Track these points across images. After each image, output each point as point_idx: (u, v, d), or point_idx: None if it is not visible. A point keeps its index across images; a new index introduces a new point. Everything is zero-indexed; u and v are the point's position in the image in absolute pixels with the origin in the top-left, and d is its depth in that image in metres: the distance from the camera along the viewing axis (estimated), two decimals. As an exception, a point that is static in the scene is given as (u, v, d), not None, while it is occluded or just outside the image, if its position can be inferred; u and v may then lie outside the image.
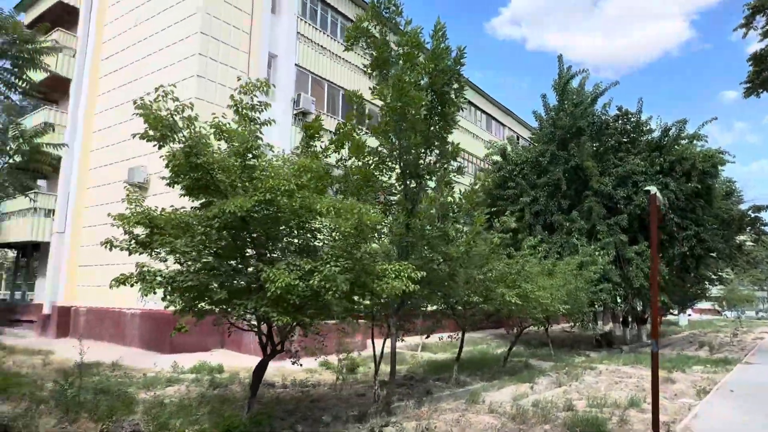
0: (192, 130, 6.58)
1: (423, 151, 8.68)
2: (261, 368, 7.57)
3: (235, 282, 6.77)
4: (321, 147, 8.46)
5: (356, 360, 12.66)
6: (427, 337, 13.50)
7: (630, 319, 26.43)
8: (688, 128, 21.14)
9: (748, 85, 16.82)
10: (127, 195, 6.93)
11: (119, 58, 19.93)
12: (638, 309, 22.05)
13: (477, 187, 8.86)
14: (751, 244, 29.50)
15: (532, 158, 22.02)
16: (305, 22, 21.03)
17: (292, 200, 6.52)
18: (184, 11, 17.41)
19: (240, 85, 7.17)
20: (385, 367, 9.67)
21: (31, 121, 19.61)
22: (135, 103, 6.50)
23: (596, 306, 18.48)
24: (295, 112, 19.40)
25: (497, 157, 23.64)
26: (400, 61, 8.16)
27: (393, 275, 7.03)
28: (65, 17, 22.38)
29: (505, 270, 11.97)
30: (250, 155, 6.91)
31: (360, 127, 8.92)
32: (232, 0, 17.89)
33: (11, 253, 28.15)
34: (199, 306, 6.75)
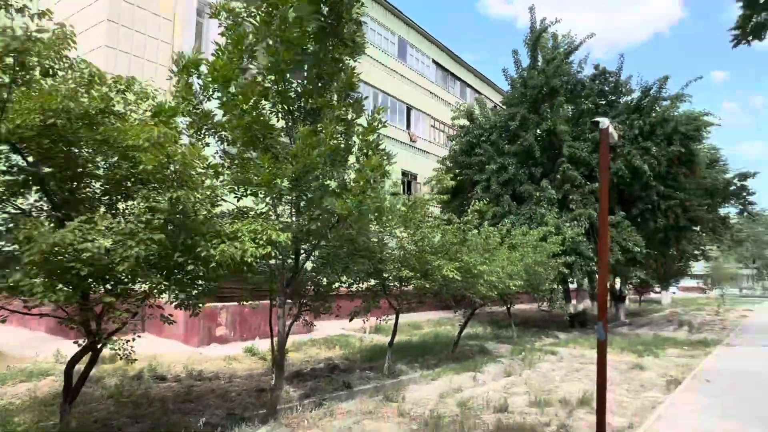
0: None
1: (318, 81, 6.64)
2: (75, 364, 5.61)
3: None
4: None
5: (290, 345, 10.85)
6: (378, 320, 11.56)
7: (612, 298, 24.94)
8: (670, 88, 19.22)
9: (737, 32, 14.81)
10: None
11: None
12: (615, 285, 20.34)
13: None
14: (735, 218, 27.93)
15: (501, 122, 20.01)
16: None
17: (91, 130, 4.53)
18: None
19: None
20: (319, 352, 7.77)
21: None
22: None
23: (558, 283, 16.70)
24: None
25: (464, 121, 21.59)
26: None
27: (249, 237, 5.12)
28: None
29: (447, 240, 10.08)
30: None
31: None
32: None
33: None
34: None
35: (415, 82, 28.27)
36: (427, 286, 10.21)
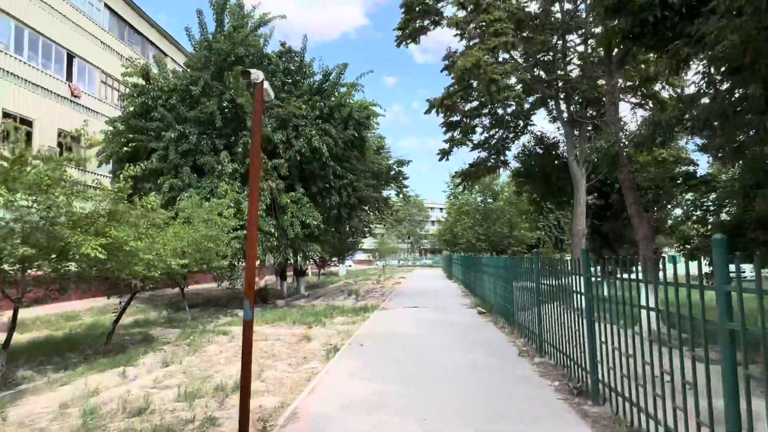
0: None
1: None
2: None
3: None
4: None
5: None
6: None
7: (294, 273, 25.95)
8: (349, 78, 20.79)
9: (399, 32, 16.81)
10: None
11: None
12: (294, 261, 21.03)
13: None
14: (395, 199, 32.63)
15: (183, 86, 18.24)
16: None
17: None
18: None
19: None
20: None
21: None
22: None
23: (238, 260, 16.32)
24: None
25: (138, 80, 18.91)
26: None
27: None
28: None
29: (94, 212, 8.21)
30: None
31: None
32: None
33: None
34: None
35: (82, 26, 23.64)
36: (71, 268, 8.19)
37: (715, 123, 6.10)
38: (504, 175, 39.80)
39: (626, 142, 10.19)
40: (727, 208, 9.78)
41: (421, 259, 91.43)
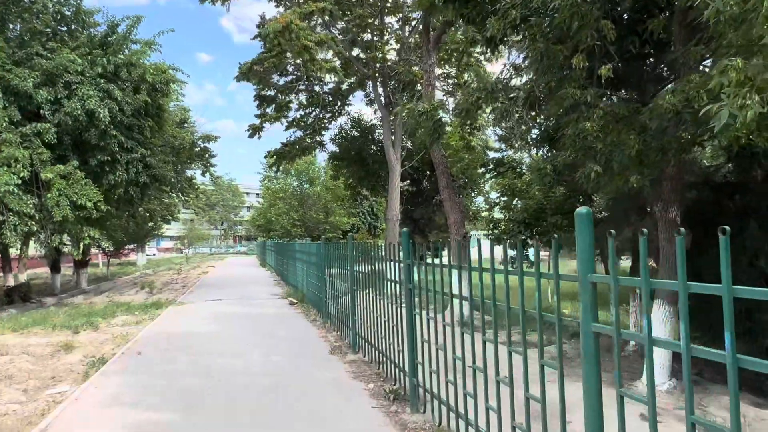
0: None
1: None
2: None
3: None
4: None
5: None
6: None
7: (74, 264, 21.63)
8: (143, 34, 17.62)
9: None
10: None
11: None
12: (63, 249, 17.24)
13: None
14: (204, 182, 29.66)
15: None
16: None
17: None
18: None
19: None
20: None
21: None
22: None
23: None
24: None
25: None
26: None
27: None
28: None
29: None
30: None
31: None
32: None
33: None
34: None
35: None
36: None
37: (540, 95, 5.75)
38: (321, 160, 39.21)
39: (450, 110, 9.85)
40: (532, 193, 10.10)
41: (235, 247, 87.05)
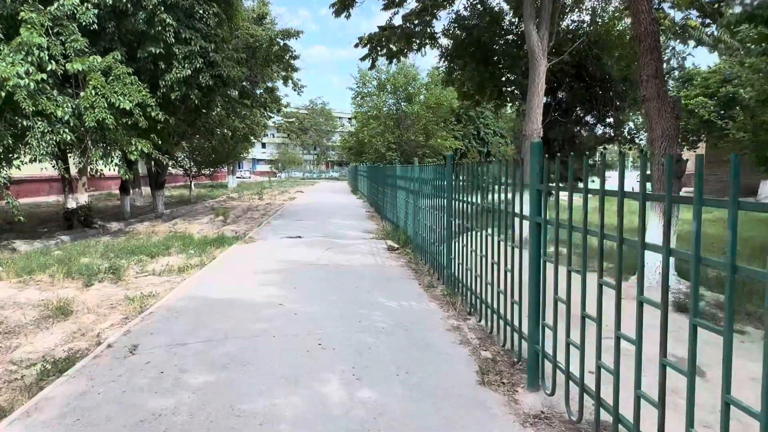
0: None
1: None
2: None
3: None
4: None
5: None
6: None
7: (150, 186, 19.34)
8: None
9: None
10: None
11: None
12: (96, 167, 14.19)
13: None
14: (286, 97, 26.00)
15: None
16: None
17: None
18: None
19: None
20: None
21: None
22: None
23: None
24: None
25: None
26: None
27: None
28: None
29: None
30: None
31: None
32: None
33: None
34: None
35: None
36: None
37: None
38: (423, 74, 34.06)
39: None
40: None
41: (327, 172, 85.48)
